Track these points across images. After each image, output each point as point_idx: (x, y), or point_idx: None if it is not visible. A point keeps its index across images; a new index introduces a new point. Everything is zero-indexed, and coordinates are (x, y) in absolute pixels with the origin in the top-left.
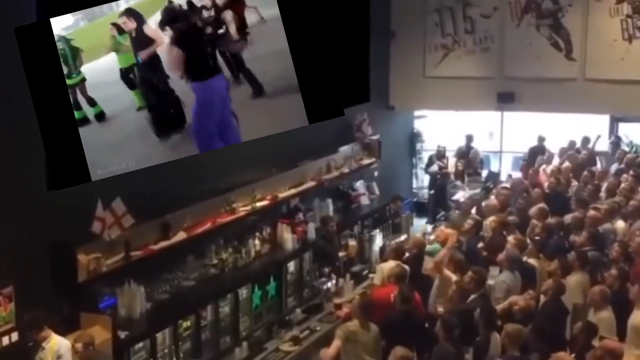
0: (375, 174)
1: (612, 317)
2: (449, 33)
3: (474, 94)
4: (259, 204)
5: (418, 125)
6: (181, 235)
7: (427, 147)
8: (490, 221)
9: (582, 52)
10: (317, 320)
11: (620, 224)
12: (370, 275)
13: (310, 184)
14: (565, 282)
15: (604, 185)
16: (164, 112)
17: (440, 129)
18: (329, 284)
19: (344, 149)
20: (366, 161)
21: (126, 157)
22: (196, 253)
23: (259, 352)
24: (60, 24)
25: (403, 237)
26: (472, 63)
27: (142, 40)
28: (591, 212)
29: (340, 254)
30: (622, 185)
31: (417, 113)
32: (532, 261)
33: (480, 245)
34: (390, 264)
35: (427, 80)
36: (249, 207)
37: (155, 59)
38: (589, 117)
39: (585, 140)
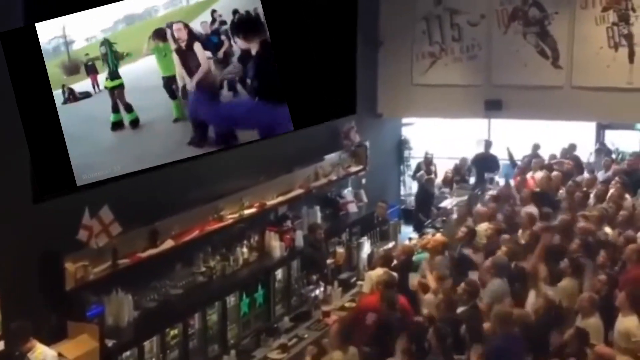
0: (363, 181)
1: (599, 323)
2: (437, 41)
3: (462, 101)
4: (247, 212)
5: (406, 132)
6: (169, 243)
7: (415, 155)
8: (485, 229)
9: (568, 60)
10: (305, 328)
11: (607, 231)
12: (359, 282)
13: (298, 191)
14: (555, 288)
15: (593, 192)
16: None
17: (428, 136)
18: (317, 292)
19: (332, 157)
20: (354, 168)
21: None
22: (184, 261)
23: None
24: (100, 26)
25: (391, 245)
26: (460, 71)
27: (188, 56)
28: (581, 223)
29: (328, 261)
30: (611, 191)
31: (404, 120)
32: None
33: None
34: (378, 272)
35: (414, 88)
36: (237, 215)
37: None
38: (575, 125)
39: (572, 147)
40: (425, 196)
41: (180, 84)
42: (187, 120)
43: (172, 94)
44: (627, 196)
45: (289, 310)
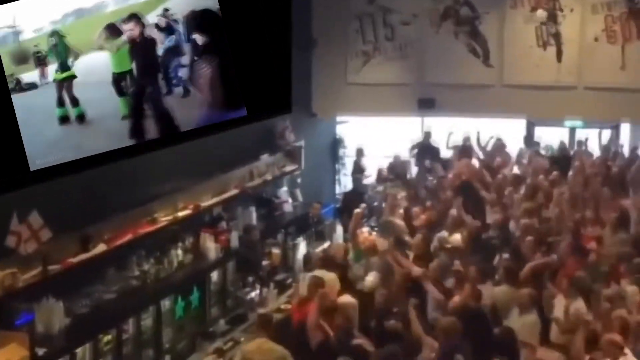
0: (299, 180)
1: (537, 320)
2: (370, 40)
3: (395, 99)
4: (181, 214)
5: (340, 131)
6: (101, 248)
7: (350, 153)
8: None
9: (499, 59)
10: (241, 331)
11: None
12: (294, 284)
13: (233, 192)
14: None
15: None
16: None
17: (363, 135)
18: (253, 294)
19: (267, 157)
20: (289, 168)
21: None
22: (117, 265)
23: None
24: (49, 18)
25: (326, 244)
26: (393, 69)
27: (140, 51)
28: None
29: (264, 262)
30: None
31: (339, 119)
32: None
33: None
34: (321, 272)
35: (348, 87)
36: (170, 217)
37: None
38: (507, 121)
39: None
40: (355, 193)
41: (129, 80)
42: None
43: (121, 91)
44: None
45: (225, 313)
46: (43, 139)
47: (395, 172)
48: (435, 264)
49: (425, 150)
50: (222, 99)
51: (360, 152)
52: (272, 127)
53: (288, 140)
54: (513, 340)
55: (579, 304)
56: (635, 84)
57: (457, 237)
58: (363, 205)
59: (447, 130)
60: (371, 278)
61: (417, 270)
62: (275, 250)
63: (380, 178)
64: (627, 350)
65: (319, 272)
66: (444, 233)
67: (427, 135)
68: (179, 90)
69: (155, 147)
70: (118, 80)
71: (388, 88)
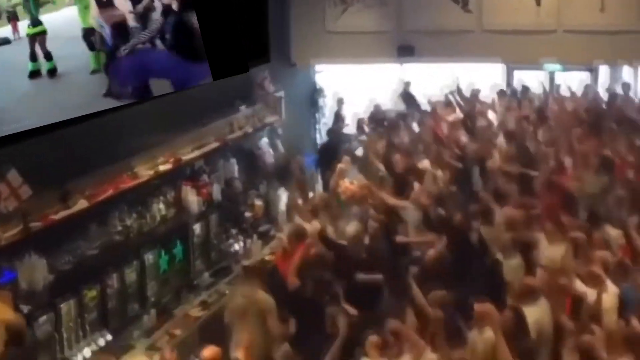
0: (279, 131)
1: (521, 264)
2: None
3: (375, 47)
4: (162, 168)
5: (320, 80)
6: (82, 204)
7: (330, 102)
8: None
9: (478, 4)
10: (225, 283)
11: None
12: (278, 234)
13: (214, 144)
14: None
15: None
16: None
17: (342, 84)
18: (237, 246)
19: (246, 108)
20: (269, 119)
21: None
22: (99, 221)
23: (167, 318)
24: None
25: (310, 195)
26: (372, 17)
27: (108, 8)
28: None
29: (246, 214)
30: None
31: (318, 68)
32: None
33: None
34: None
35: (328, 36)
36: (151, 171)
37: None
38: (487, 67)
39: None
40: (335, 141)
41: (99, 35)
42: (104, 72)
43: (91, 45)
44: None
45: (209, 266)
46: (15, 93)
47: (376, 119)
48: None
49: (405, 99)
50: (191, 53)
51: (340, 102)
52: (251, 79)
53: (267, 90)
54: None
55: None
56: (614, 26)
57: (439, 173)
58: (347, 158)
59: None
60: (352, 228)
61: (395, 200)
62: (258, 202)
63: (360, 127)
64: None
65: (300, 222)
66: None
67: (407, 84)
68: (150, 45)
69: (131, 103)
70: (87, 35)
71: (367, 36)
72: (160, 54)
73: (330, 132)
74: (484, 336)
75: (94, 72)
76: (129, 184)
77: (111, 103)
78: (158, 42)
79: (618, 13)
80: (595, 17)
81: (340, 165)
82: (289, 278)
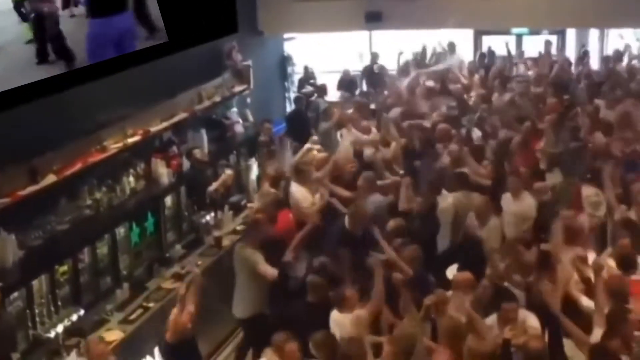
0: (248, 100)
1: (497, 224)
2: None
3: (342, 14)
4: (130, 140)
5: (288, 48)
6: (51, 179)
7: (299, 70)
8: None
9: None
10: (198, 255)
11: None
12: (249, 205)
13: (183, 115)
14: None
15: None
16: (52, 47)
17: (311, 51)
18: (208, 217)
19: (215, 78)
20: (238, 88)
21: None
22: (68, 195)
23: (140, 291)
24: None
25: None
26: None
27: None
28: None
29: (215, 184)
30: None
31: (286, 36)
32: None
33: None
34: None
35: (295, 4)
36: (120, 144)
37: None
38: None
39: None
40: (303, 111)
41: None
42: (35, 41)
43: (24, 16)
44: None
45: (181, 238)
46: None
47: (344, 87)
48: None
49: (372, 71)
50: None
51: (306, 70)
52: (219, 48)
53: (236, 60)
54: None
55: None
56: None
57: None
58: (315, 138)
59: (397, 50)
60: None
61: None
62: (228, 171)
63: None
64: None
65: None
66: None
67: (375, 56)
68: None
69: (95, 76)
70: (18, 5)
71: (334, 3)
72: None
73: (296, 99)
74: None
75: (29, 42)
76: (97, 157)
77: (49, 71)
78: None
79: None
80: None
81: (306, 147)
82: (288, 252)
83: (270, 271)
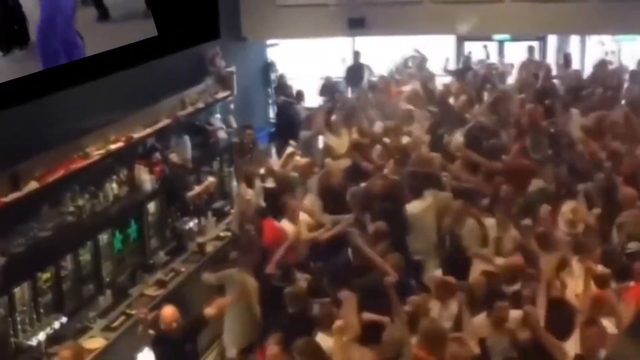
0: (232, 106)
1: (474, 226)
2: None
3: (326, 20)
4: (113, 147)
5: (271, 54)
6: (33, 185)
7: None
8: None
9: None
10: (181, 261)
11: None
12: (232, 211)
13: (166, 121)
14: None
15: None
16: (7, 28)
17: (294, 57)
18: (191, 224)
19: (198, 84)
20: (221, 94)
21: None
22: (51, 202)
23: (123, 298)
24: None
25: (262, 170)
26: None
27: None
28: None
29: (195, 190)
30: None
31: (269, 42)
32: None
33: None
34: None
35: (278, 9)
36: (103, 151)
37: None
38: (437, 38)
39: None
40: (285, 119)
41: None
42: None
43: None
44: None
45: (164, 244)
46: None
47: (327, 92)
48: None
49: (355, 72)
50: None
51: (280, 79)
52: (202, 54)
53: (219, 66)
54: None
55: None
56: None
57: None
58: (293, 143)
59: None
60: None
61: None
62: (211, 178)
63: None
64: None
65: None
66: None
67: (357, 55)
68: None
69: (80, 80)
70: None
71: (318, 9)
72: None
73: (280, 104)
74: (449, 310)
75: None
76: (80, 164)
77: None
78: None
79: None
80: None
81: (289, 150)
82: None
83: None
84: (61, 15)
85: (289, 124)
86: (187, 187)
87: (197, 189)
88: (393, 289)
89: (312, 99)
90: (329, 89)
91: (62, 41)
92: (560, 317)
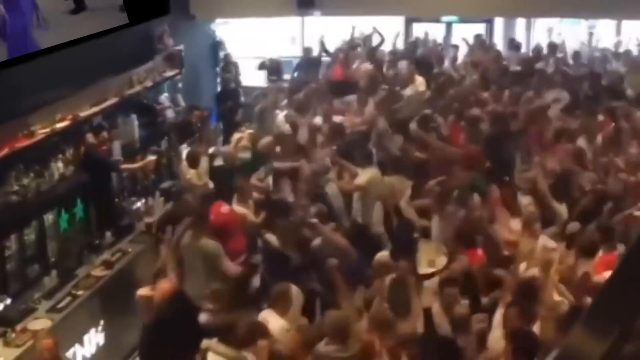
0: (180, 85)
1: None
2: None
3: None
4: (59, 125)
5: (220, 33)
6: None
7: (233, 55)
8: None
9: None
10: (128, 241)
11: None
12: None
13: (113, 100)
14: None
15: None
16: None
17: (243, 36)
18: (139, 203)
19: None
20: (169, 73)
21: None
22: None
23: (69, 279)
24: None
25: (211, 150)
26: None
27: None
28: None
29: (130, 165)
30: None
31: (219, 20)
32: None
33: None
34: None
35: None
36: (49, 129)
37: None
38: (386, 19)
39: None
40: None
41: None
42: None
43: None
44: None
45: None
46: None
47: (278, 71)
48: None
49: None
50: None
51: (225, 58)
52: (150, 32)
53: (167, 44)
54: None
55: None
56: None
57: None
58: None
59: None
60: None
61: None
62: (151, 157)
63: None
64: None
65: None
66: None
67: (307, 50)
68: None
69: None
70: None
71: None
72: None
73: (223, 82)
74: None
75: None
76: (25, 142)
77: None
78: None
79: None
80: None
81: (236, 136)
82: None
83: (234, 268)
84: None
85: (232, 103)
86: (110, 166)
87: (132, 165)
88: (338, 272)
89: (260, 79)
90: (274, 68)
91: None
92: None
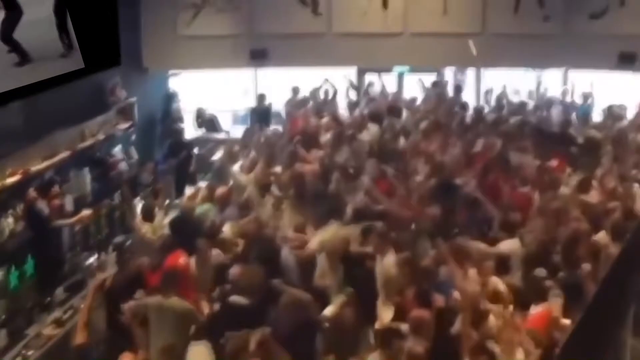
0: (133, 137)
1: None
2: None
3: (228, 51)
4: (9, 180)
5: (173, 84)
6: None
7: (184, 107)
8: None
9: (327, 7)
10: (80, 297)
11: None
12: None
13: (65, 154)
14: None
15: None
16: None
17: (196, 88)
18: (91, 259)
19: (98, 115)
20: (122, 126)
21: None
22: None
23: (19, 339)
24: None
25: (166, 202)
26: (224, 21)
27: None
28: None
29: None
30: None
31: (171, 72)
32: None
33: None
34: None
35: (179, 40)
36: None
37: None
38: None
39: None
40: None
41: None
42: None
43: None
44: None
45: (62, 280)
46: None
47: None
48: None
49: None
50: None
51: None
52: (102, 85)
53: (119, 97)
54: None
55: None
56: (456, 29)
57: None
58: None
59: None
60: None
61: None
62: (86, 211)
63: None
64: None
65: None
66: None
67: (261, 97)
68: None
69: None
70: None
71: (220, 40)
72: None
73: (176, 134)
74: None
75: None
76: None
77: None
78: None
79: (460, 16)
80: (438, 21)
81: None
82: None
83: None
84: None
85: (186, 154)
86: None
87: (67, 220)
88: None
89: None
90: (208, 122)
91: None
92: None
